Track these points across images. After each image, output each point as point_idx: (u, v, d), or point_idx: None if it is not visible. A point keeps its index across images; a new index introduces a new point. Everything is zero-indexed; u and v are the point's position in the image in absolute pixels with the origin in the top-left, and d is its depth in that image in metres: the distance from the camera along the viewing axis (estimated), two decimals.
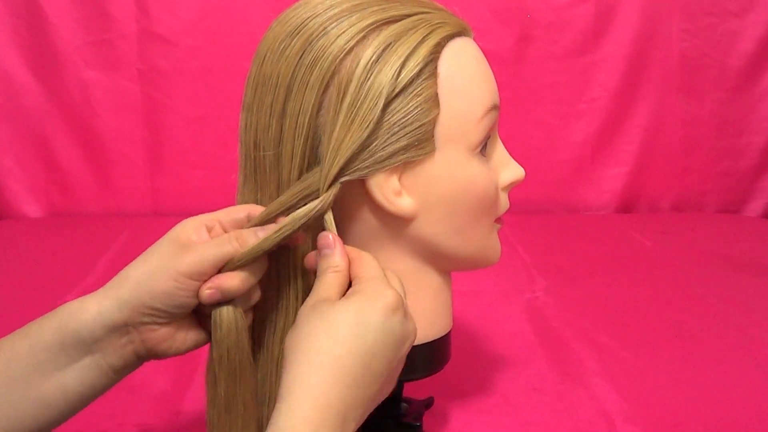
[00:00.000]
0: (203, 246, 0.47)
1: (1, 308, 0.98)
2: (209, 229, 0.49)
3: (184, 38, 1.44)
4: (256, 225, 0.49)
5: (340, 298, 0.46)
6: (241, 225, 0.50)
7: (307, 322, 0.44)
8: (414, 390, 0.65)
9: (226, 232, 0.49)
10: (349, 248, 0.49)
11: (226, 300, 0.47)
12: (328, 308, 0.44)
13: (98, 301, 0.46)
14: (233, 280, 0.47)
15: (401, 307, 0.46)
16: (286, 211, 0.49)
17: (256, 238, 0.48)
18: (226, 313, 0.47)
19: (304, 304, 0.46)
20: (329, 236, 0.48)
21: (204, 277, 0.46)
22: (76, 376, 0.46)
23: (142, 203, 1.50)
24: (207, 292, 0.46)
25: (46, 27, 1.42)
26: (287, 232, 0.48)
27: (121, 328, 0.46)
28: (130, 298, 0.45)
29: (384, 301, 0.45)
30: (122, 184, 1.50)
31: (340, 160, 0.47)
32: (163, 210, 1.50)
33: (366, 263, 0.48)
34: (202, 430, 0.66)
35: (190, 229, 0.48)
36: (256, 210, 0.50)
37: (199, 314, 0.49)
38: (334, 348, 0.43)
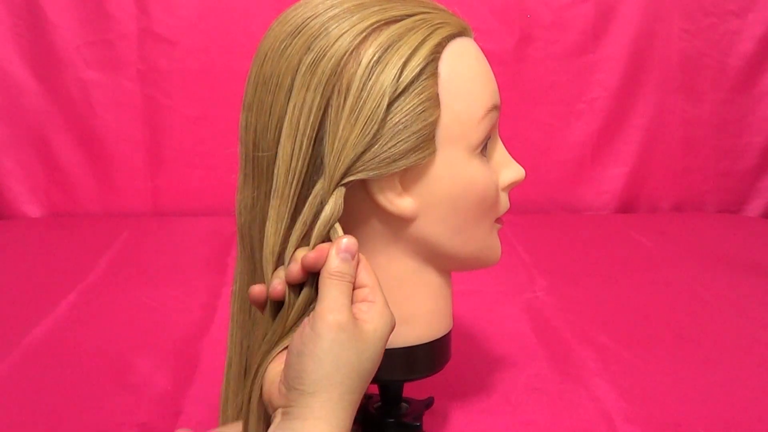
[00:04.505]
0: None
1: (1, 308, 0.98)
2: None
3: (184, 38, 1.43)
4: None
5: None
6: None
7: (337, 344, 0.44)
8: (414, 390, 0.65)
9: None
10: None
11: None
12: (357, 337, 0.45)
13: None
14: None
15: None
16: (309, 231, 0.49)
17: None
18: None
19: (321, 312, 0.45)
20: (354, 243, 0.48)
21: None
22: None
23: (142, 203, 1.50)
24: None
25: (46, 27, 1.42)
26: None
27: None
28: None
29: (389, 329, 0.48)
30: (122, 184, 1.49)
31: (346, 161, 0.47)
32: (163, 210, 1.50)
33: (368, 272, 0.49)
34: (202, 430, 0.66)
35: None
36: None
37: None
38: (360, 383, 0.46)
